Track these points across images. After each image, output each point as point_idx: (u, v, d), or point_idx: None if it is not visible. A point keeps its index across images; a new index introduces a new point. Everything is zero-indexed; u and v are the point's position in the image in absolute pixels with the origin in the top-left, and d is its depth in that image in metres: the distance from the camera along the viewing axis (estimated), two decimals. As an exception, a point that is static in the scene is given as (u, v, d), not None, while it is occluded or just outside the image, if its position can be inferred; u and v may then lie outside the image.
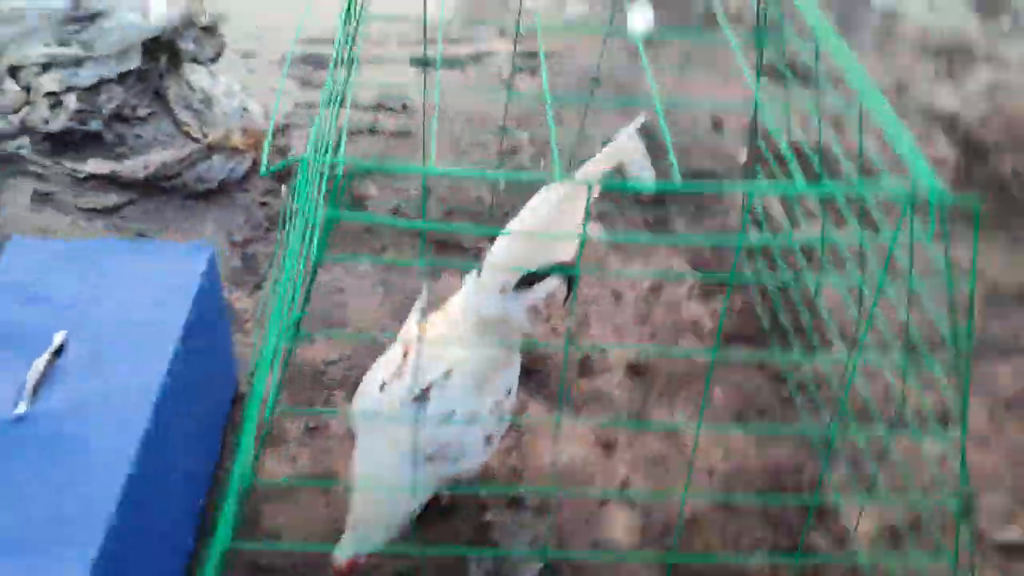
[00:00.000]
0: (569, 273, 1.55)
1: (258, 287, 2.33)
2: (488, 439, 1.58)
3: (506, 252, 1.52)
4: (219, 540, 0.86)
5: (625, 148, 1.50)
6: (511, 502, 1.88)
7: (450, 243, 2.53)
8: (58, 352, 1.47)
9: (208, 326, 1.75)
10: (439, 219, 2.60)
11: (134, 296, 1.61)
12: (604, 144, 1.53)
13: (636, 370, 2.22)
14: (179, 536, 1.65)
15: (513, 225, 1.54)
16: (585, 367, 2.21)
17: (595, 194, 1.47)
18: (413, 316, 1.66)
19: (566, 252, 1.54)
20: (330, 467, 1.92)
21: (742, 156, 2.76)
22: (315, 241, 1.11)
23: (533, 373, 2.12)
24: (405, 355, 1.50)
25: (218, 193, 2.56)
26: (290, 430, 1.98)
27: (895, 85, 3.39)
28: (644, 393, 2.16)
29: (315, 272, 1.15)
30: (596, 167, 1.53)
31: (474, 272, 1.57)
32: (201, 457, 1.79)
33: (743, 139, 2.81)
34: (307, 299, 1.18)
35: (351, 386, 2.03)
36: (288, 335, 1.10)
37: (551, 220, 1.50)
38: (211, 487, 1.82)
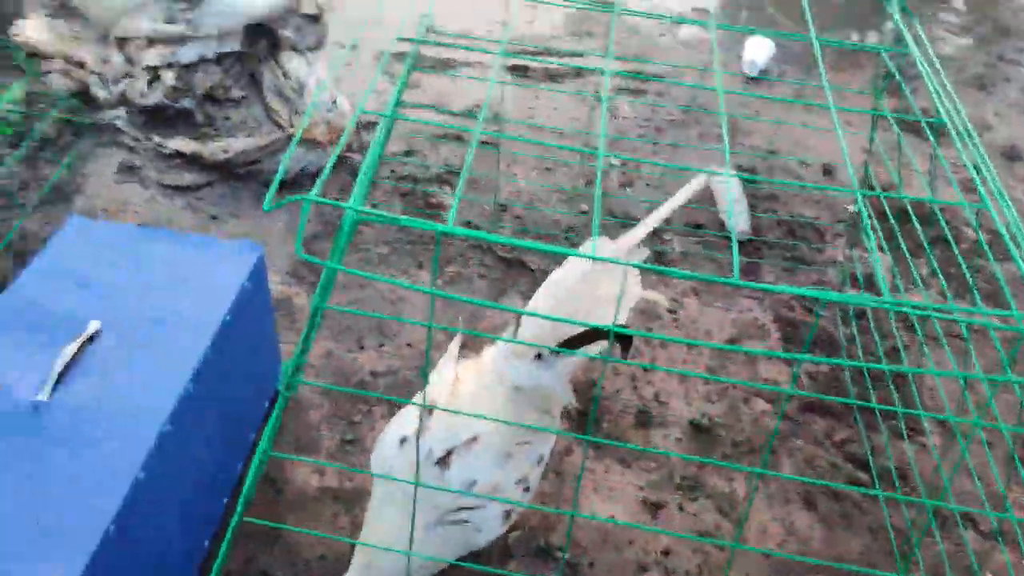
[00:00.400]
0: (622, 334, 1.41)
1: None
2: (507, 514, 1.45)
3: (538, 322, 1.40)
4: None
5: (670, 209, 1.45)
6: (539, 553, 1.75)
7: (513, 261, 2.41)
8: (90, 340, 1.45)
9: (250, 327, 1.69)
10: (511, 237, 2.49)
11: (177, 290, 1.57)
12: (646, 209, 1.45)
13: (698, 428, 2.04)
14: (193, 537, 1.61)
15: (541, 293, 1.43)
16: (642, 419, 2.05)
17: (634, 275, 1.45)
18: (446, 361, 1.54)
19: (611, 314, 1.41)
20: (360, 484, 1.84)
21: (851, 207, 2.52)
22: (319, 287, 1.02)
23: (583, 416, 1.98)
24: (431, 411, 1.39)
25: (294, 184, 2.53)
26: (324, 442, 1.91)
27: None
28: (703, 455, 1.98)
29: (315, 318, 1.07)
30: (641, 232, 1.44)
31: (507, 338, 1.45)
32: (226, 458, 1.75)
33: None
34: (306, 347, 1.09)
35: (393, 403, 1.95)
36: (284, 382, 1.02)
37: (584, 287, 1.39)
38: (235, 487, 1.77)
